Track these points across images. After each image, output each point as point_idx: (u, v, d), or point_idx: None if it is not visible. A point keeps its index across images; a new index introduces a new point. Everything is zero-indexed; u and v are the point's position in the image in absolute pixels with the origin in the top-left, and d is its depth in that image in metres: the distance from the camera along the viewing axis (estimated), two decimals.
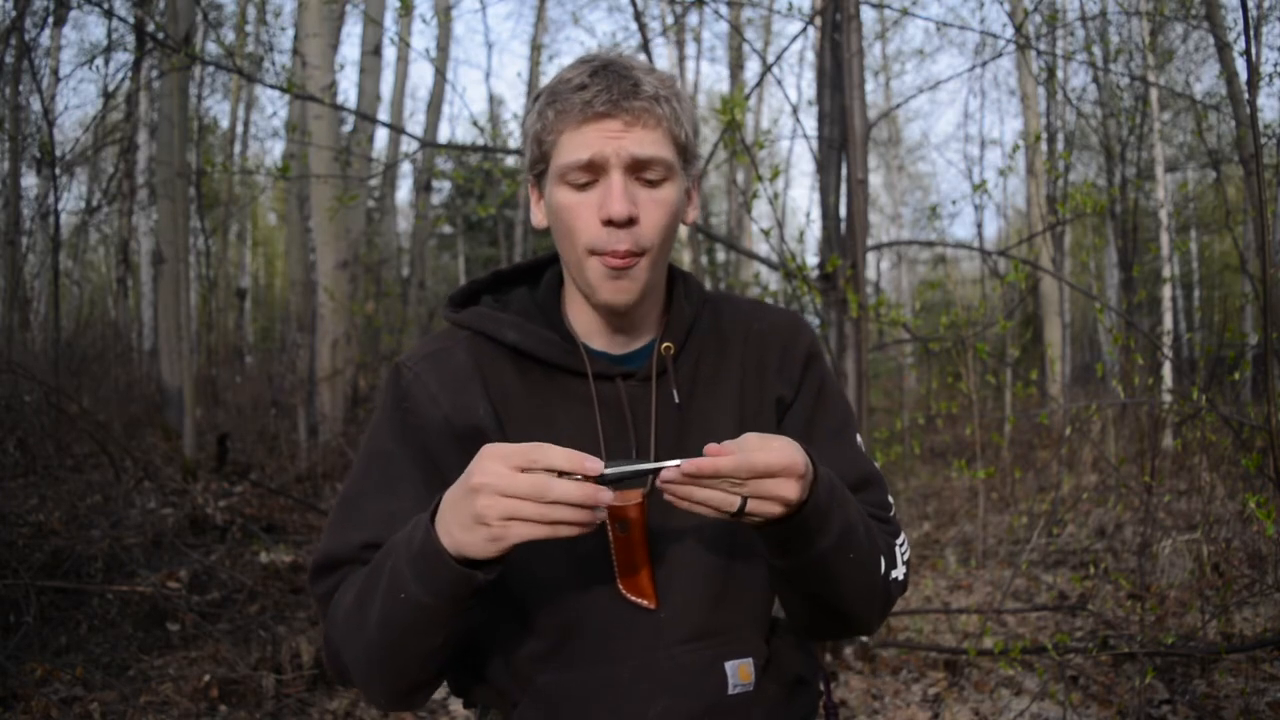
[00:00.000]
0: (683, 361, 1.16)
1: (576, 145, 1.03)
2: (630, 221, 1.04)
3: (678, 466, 0.90)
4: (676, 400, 1.13)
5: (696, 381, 1.16)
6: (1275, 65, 5.89)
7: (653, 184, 1.06)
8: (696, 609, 1.10)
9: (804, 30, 4.59)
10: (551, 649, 1.09)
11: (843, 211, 4.21)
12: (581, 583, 1.09)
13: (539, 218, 1.14)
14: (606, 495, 0.88)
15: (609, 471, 0.89)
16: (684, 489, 0.92)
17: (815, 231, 4.43)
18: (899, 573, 1.16)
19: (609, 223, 1.03)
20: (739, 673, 1.10)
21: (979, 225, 6.35)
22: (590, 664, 1.08)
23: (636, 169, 1.04)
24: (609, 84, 1.02)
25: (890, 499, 1.22)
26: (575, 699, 1.08)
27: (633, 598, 1.09)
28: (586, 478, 0.88)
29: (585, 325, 1.15)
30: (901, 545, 1.18)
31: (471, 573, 0.92)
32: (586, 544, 1.08)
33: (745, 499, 0.92)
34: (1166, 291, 8.13)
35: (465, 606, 0.96)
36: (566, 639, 1.09)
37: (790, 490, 0.93)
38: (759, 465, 0.91)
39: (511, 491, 0.86)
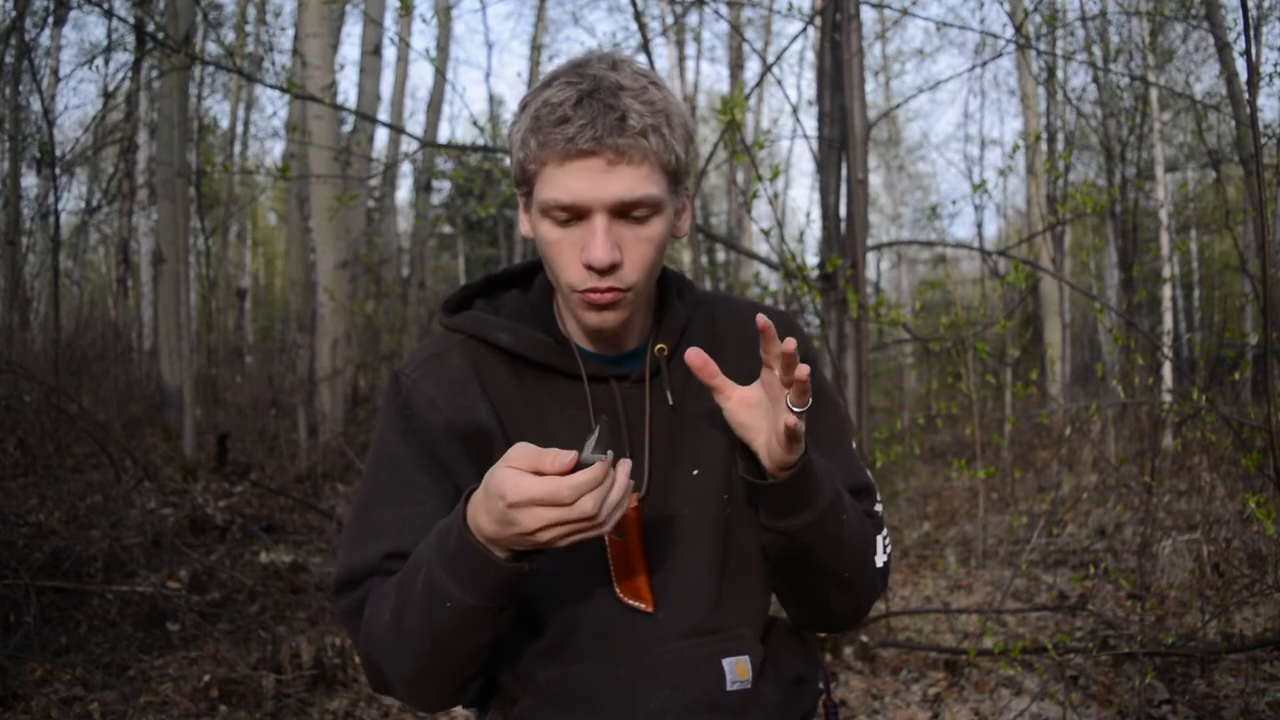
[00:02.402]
0: (677, 363, 1.16)
1: (558, 184, 1.00)
2: (612, 268, 1.02)
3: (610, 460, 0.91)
4: (670, 402, 1.14)
5: (690, 383, 1.15)
6: (1275, 65, 5.88)
7: (639, 221, 1.03)
8: (694, 609, 1.11)
9: (804, 30, 4.60)
10: (550, 650, 1.10)
11: (843, 211, 4.21)
12: (578, 587, 1.09)
13: (526, 228, 1.13)
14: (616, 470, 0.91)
15: (592, 455, 0.91)
16: (801, 370, 0.92)
17: (815, 231, 4.44)
18: (881, 559, 1.18)
19: (590, 267, 1.02)
20: (736, 670, 1.11)
21: (979, 225, 6.34)
22: (587, 660, 1.09)
23: (622, 211, 1.02)
24: (593, 117, 0.97)
25: (879, 508, 1.24)
26: (574, 695, 1.09)
27: (630, 601, 1.09)
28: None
29: (578, 328, 1.15)
30: (885, 539, 1.21)
31: (518, 565, 0.94)
32: (583, 548, 1.09)
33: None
34: (1166, 291, 8.13)
35: (512, 598, 0.98)
36: (565, 641, 1.10)
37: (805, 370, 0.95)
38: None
39: (563, 521, 0.88)
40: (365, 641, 1.06)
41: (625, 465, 0.92)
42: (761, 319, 0.93)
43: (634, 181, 1.00)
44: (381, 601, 1.04)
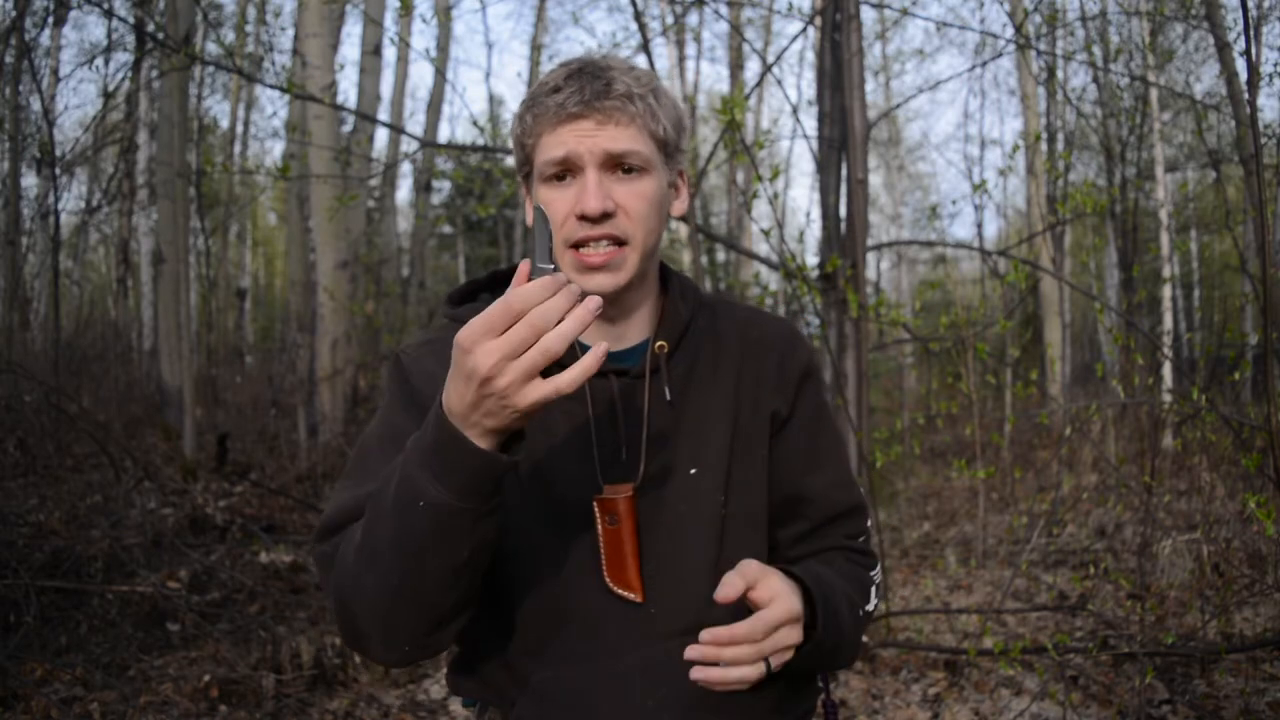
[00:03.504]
0: (677, 361, 1.17)
1: (552, 145, 1.07)
2: (605, 216, 1.06)
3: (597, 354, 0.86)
4: (668, 398, 1.14)
5: (690, 381, 1.17)
6: (1275, 65, 5.89)
7: (630, 176, 1.08)
8: (689, 605, 1.11)
9: (804, 30, 4.60)
10: (541, 642, 1.10)
11: (843, 211, 4.21)
12: (568, 575, 1.10)
13: (531, 218, 1.15)
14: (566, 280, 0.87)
15: (542, 266, 0.88)
16: (718, 674, 0.97)
17: (815, 231, 4.44)
18: (872, 605, 1.21)
19: (584, 218, 1.06)
20: None
21: (979, 225, 6.35)
22: (583, 659, 1.09)
23: (612, 163, 1.07)
24: (581, 85, 1.06)
25: (869, 524, 1.27)
26: (571, 694, 1.09)
27: (619, 590, 1.09)
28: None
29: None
30: (875, 575, 1.23)
31: (497, 456, 0.91)
32: (575, 536, 1.09)
33: (768, 661, 1.00)
34: (1166, 291, 8.13)
35: (490, 504, 0.94)
36: (555, 631, 1.10)
37: (795, 635, 1.01)
38: (771, 619, 0.98)
39: (516, 349, 0.85)
40: (336, 577, 1.02)
41: (592, 300, 0.87)
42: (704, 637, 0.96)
43: (621, 138, 1.06)
44: (354, 530, 1.02)
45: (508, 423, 0.89)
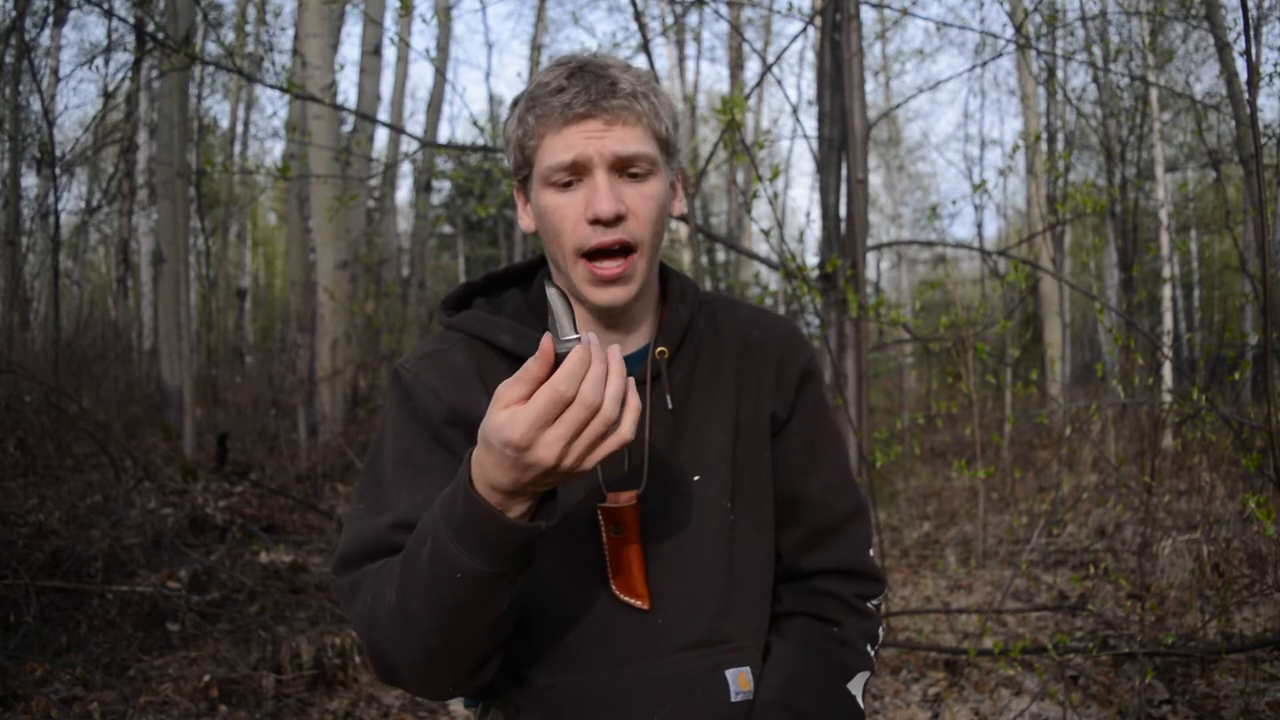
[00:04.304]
0: (677, 366, 1.16)
1: (559, 147, 1.03)
2: (618, 219, 1.04)
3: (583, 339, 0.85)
4: (670, 405, 1.13)
5: (691, 387, 1.16)
6: (1275, 65, 5.89)
7: (638, 179, 1.06)
8: (697, 617, 1.10)
9: (804, 30, 4.59)
10: (545, 648, 1.09)
11: (843, 211, 4.22)
12: (574, 582, 1.09)
13: (526, 222, 1.14)
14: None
15: (566, 339, 0.87)
16: None
17: (815, 231, 4.44)
18: (868, 673, 1.17)
19: (596, 222, 1.04)
20: (739, 680, 1.11)
21: (979, 225, 6.34)
22: (589, 668, 1.08)
23: (621, 166, 1.05)
24: (586, 84, 1.02)
25: (873, 532, 1.24)
26: (578, 702, 1.08)
27: (626, 598, 1.09)
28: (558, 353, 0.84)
29: (581, 324, 1.14)
30: (875, 638, 1.19)
31: (533, 526, 0.90)
32: (581, 545, 1.08)
33: None
34: (1166, 291, 8.14)
35: (527, 563, 0.94)
36: (560, 639, 1.09)
37: None
38: None
39: (576, 431, 0.83)
40: (369, 627, 1.00)
41: (615, 349, 0.85)
42: None
43: (630, 139, 1.04)
44: (385, 581, 0.99)
45: (554, 487, 0.90)
